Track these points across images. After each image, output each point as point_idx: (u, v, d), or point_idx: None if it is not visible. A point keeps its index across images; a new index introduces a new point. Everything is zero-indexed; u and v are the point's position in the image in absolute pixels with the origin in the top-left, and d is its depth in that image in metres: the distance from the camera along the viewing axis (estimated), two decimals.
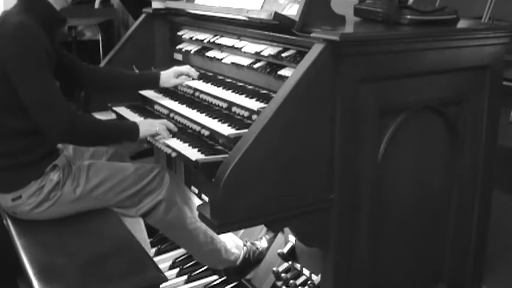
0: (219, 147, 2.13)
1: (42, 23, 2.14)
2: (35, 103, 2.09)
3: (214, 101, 2.31)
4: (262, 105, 2.07)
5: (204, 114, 2.26)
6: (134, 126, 2.27)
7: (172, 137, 2.26)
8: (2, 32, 2.09)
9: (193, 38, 2.66)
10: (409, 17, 2.02)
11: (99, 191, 2.29)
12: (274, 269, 2.39)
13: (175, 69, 2.58)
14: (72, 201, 2.26)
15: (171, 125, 2.29)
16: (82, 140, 2.27)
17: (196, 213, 2.22)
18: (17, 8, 2.16)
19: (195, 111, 2.33)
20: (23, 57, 2.06)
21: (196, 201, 2.52)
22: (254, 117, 2.06)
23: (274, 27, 2.07)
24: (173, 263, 2.81)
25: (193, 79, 2.54)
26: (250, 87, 2.28)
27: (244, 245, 2.57)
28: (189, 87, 2.50)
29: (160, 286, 2.02)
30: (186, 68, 2.58)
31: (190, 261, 2.77)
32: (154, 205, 2.35)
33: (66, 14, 2.29)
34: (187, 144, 2.17)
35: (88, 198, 2.29)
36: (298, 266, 2.36)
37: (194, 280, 2.70)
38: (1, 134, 2.19)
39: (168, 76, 2.57)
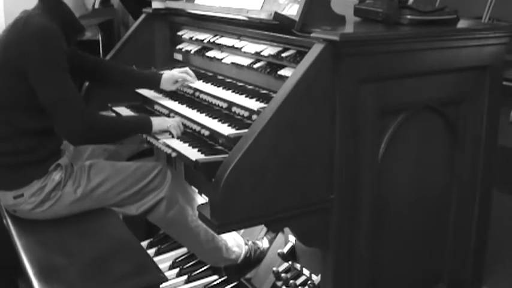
0: (219, 147, 2.13)
1: (62, 28, 2.16)
2: (55, 104, 2.11)
3: (214, 101, 2.31)
4: (262, 105, 2.07)
5: (204, 114, 2.26)
6: (147, 120, 2.29)
7: (173, 137, 2.26)
8: (25, 32, 2.10)
9: (193, 38, 2.66)
10: (409, 17, 2.02)
11: (100, 191, 2.30)
12: (274, 269, 2.39)
13: (174, 75, 2.55)
14: (72, 201, 2.26)
15: (180, 128, 2.30)
16: (100, 139, 2.29)
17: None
18: (39, 10, 2.18)
19: (195, 111, 2.33)
20: (45, 58, 2.08)
21: (199, 199, 2.53)
22: (254, 117, 2.06)
23: (274, 27, 2.07)
24: (173, 263, 2.81)
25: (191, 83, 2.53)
26: (250, 87, 2.28)
27: (246, 244, 2.58)
28: (189, 87, 2.50)
29: (160, 286, 2.02)
30: (183, 74, 2.54)
31: (190, 261, 2.77)
32: (155, 203, 2.36)
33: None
34: (187, 144, 2.17)
35: (89, 198, 2.29)
36: (298, 266, 2.36)
37: (194, 280, 2.70)
38: (9, 132, 2.19)
39: (167, 81, 2.55)
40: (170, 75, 2.56)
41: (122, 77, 2.60)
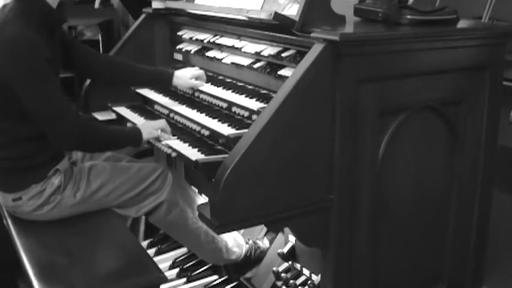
0: (219, 147, 2.13)
1: (42, 24, 2.07)
2: (43, 115, 2.06)
3: (214, 101, 2.31)
4: (262, 105, 2.07)
5: (204, 114, 2.26)
6: (137, 132, 2.26)
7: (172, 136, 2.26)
8: (1, 43, 2.01)
9: (193, 38, 2.66)
10: (409, 17, 2.02)
11: (100, 195, 2.29)
12: (274, 269, 2.39)
13: (191, 70, 2.52)
14: (72, 204, 2.25)
15: (168, 129, 2.28)
16: (89, 148, 2.26)
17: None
18: (13, 12, 2.06)
19: (195, 111, 2.33)
20: (24, 74, 2.01)
21: (199, 200, 2.53)
22: (254, 117, 2.06)
23: (274, 27, 2.07)
24: (173, 263, 2.81)
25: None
26: (250, 87, 2.28)
27: (246, 243, 2.58)
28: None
29: (160, 286, 2.02)
30: (202, 71, 2.50)
31: (190, 261, 2.77)
32: (156, 206, 2.36)
33: (65, 11, 2.24)
34: (187, 144, 2.17)
35: (89, 201, 2.28)
36: (298, 266, 2.36)
37: (194, 280, 2.70)
38: (7, 139, 2.16)
39: (182, 77, 2.47)
40: (186, 71, 2.50)
41: (134, 75, 2.55)
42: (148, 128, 2.27)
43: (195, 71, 2.50)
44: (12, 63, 2.01)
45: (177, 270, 2.75)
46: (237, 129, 2.04)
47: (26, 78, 2.02)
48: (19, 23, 2.02)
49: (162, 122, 2.30)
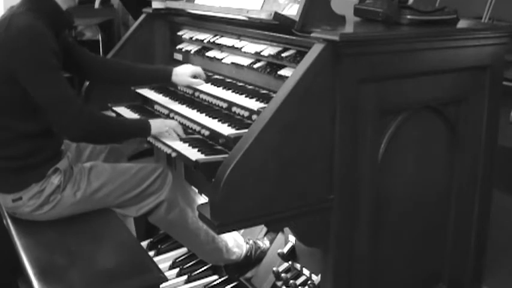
0: (219, 147, 2.13)
1: (49, 23, 2.11)
2: (51, 104, 2.09)
3: (214, 101, 2.31)
4: (262, 105, 2.07)
5: (204, 114, 2.26)
6: (146, 125, 2.27)
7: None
8: (9, 34, 2.05)
9: (193, 38, 2.66)
10: (409, 17, 2.02)
11: (100, 194, 2.29)
12: (274, 269, 2.39)
13: (191, 67, 2.52)
14: (72, 204, 2.26)
15: (180, 131, 2.28)
16: (98, 137, 2.25)
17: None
18: (23, 7, 2.11)
19: (195, 111, 2.33)
20: (33, 61, 2.04)
21: (200, 200, 2.53)
22: (254, 117, 2.06)
23: (274, 27, 2.07)
24: (173, 263, 2.81)
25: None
26: (250, 87, 2.28)
27: (247, 243, 2.58)
28: (189, 87, 2.50)
29: (160, 286, 2.02)
30: (199, 68, 2.53)
31: (190, 261, 2.77)
32: (156, 206, 2.36)
33: (72, 17, 2.28)
34: (187, 144, 2.17)
35: (89, 201, 2.28)
36: (298, 266, 2.36)
37: (194, 280, 2.70)
38: (6, 137, 2.18)
39: (182, 73, 2.49)
40: (185, 68, 2.51)
41: (128, 78, 2.58)
42: (159, 122, 2.29)
43: (195, 68, 2.50)
44: (22, 52, 2.04)
45: (177, 270, 2.75)
46: (237, 129, 2.04)
47: (36, 65, 2.05)
48: (30, 15, 2.07)
49: (173, 122, 2.31)
